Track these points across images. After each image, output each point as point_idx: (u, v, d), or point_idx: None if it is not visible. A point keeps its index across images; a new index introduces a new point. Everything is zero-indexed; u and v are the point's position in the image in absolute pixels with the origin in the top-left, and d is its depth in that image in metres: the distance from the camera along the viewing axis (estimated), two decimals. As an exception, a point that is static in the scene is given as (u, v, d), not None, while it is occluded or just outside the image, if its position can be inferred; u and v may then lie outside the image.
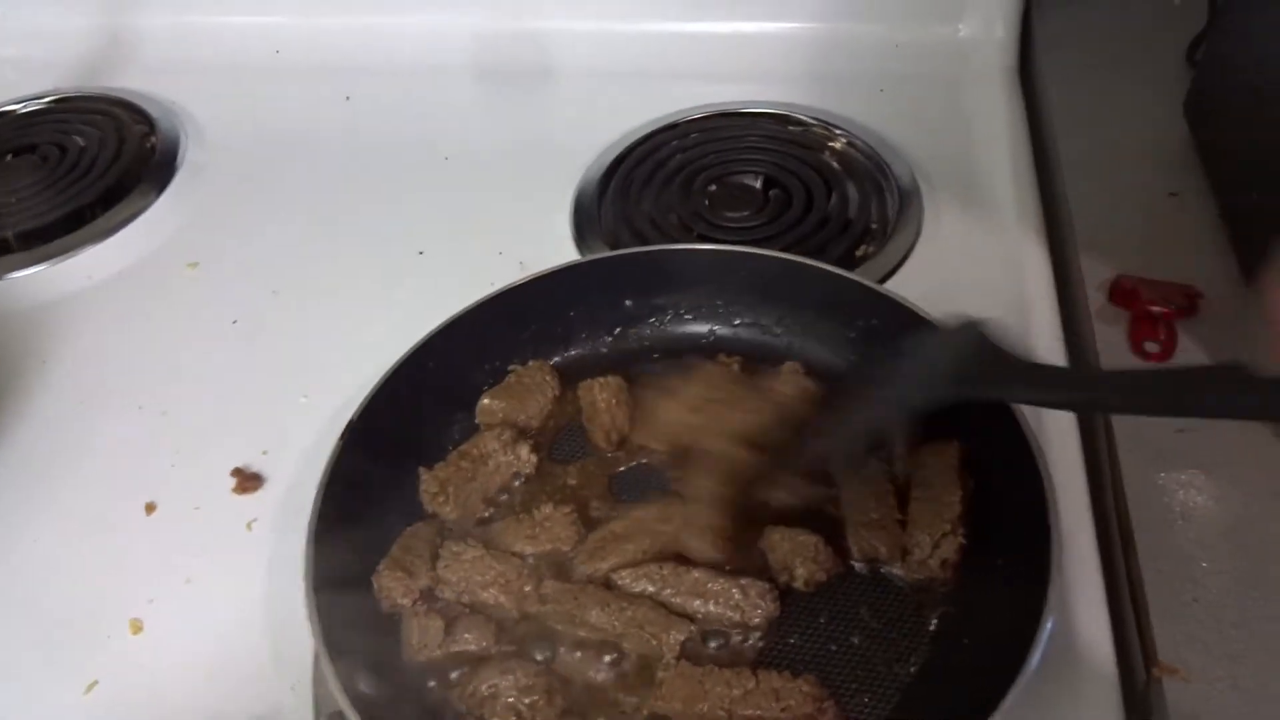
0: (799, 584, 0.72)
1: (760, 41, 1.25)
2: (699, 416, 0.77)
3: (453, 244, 1.05)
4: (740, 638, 0.70)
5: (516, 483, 0.80)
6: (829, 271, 0.84)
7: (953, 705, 0.61)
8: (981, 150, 1.09)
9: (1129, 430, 0.79)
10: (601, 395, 0.83)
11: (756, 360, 0.86)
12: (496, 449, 0.78)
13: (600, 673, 0.69)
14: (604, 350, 0.89)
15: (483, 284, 0.86)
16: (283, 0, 1.32)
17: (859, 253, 0.98)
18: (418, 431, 0.81)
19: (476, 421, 0.83)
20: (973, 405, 0.70)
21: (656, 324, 0.89)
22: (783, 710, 0.64)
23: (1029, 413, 0.72)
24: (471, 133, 1.20)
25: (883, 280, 0.95)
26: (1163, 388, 0.56)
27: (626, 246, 0.98)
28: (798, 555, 0.72)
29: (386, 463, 0.78)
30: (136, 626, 0.77)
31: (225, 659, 0.74)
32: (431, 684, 0.70)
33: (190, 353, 0.97)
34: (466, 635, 0.70)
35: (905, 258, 0.98)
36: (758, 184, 1.07)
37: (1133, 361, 0.84)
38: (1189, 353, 0.84)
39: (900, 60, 1.21)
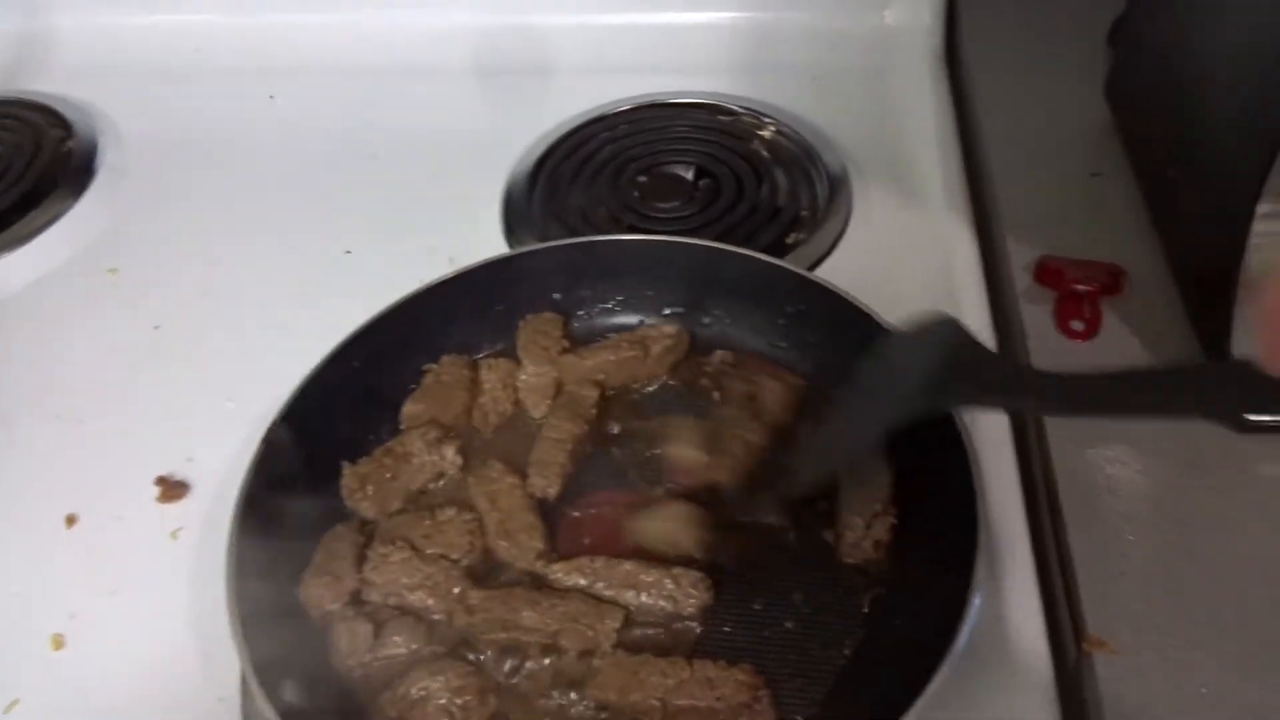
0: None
1: (688, 32, 1.24)
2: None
3: (381, 242, 1.03)
4: (676, 626, 0.70)
5: (440, 483, 0.79)
6: (757, 259, 0.84)
7: (886, 686, 0.61)
8: (909, 136, 1.10)
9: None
10: (489, 376, 0.83)
11: (688, 350, 0.86)
12: (420, 448, 0.77)
13: (536, 671, 0.68)
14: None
15: (412, 282, 0.85)
16: (203, -1, 1.30)
17: (789, 240, 0.98)
18: (344, 433, 0.80)
19: (402, 427, 0.82)
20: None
21: (585, 316, 0.89)
22: (717, 699, 0.64)
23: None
24: (398, 130, 1.18)
25: (813, 267, 0.95)
26: (1167, 388, 0.56)
27: (557, 239, 0.97)
28: None
29: (312, 465, 0.76)
30: (58, 642, 0.75)
31: (151, 672, 0.73)
32: (362, 689, 0.68)
33: (111, 360, 0.95)
34: (395, 638, 0.69)
35: (835, 244, 0.98)
36: (688, 174, 1.06)
37: (1058, 339, 0.85)
38: (1114, 330, 0.85)
39: (828, 48, 1.21)
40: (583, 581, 0.71)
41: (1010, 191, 0.98)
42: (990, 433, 0.79)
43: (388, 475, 0.77)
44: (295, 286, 1.00)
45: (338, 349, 0.80)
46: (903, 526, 0.72)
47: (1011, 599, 0.71)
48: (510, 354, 0.85)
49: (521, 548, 0.73)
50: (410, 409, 0.81)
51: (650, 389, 0.84)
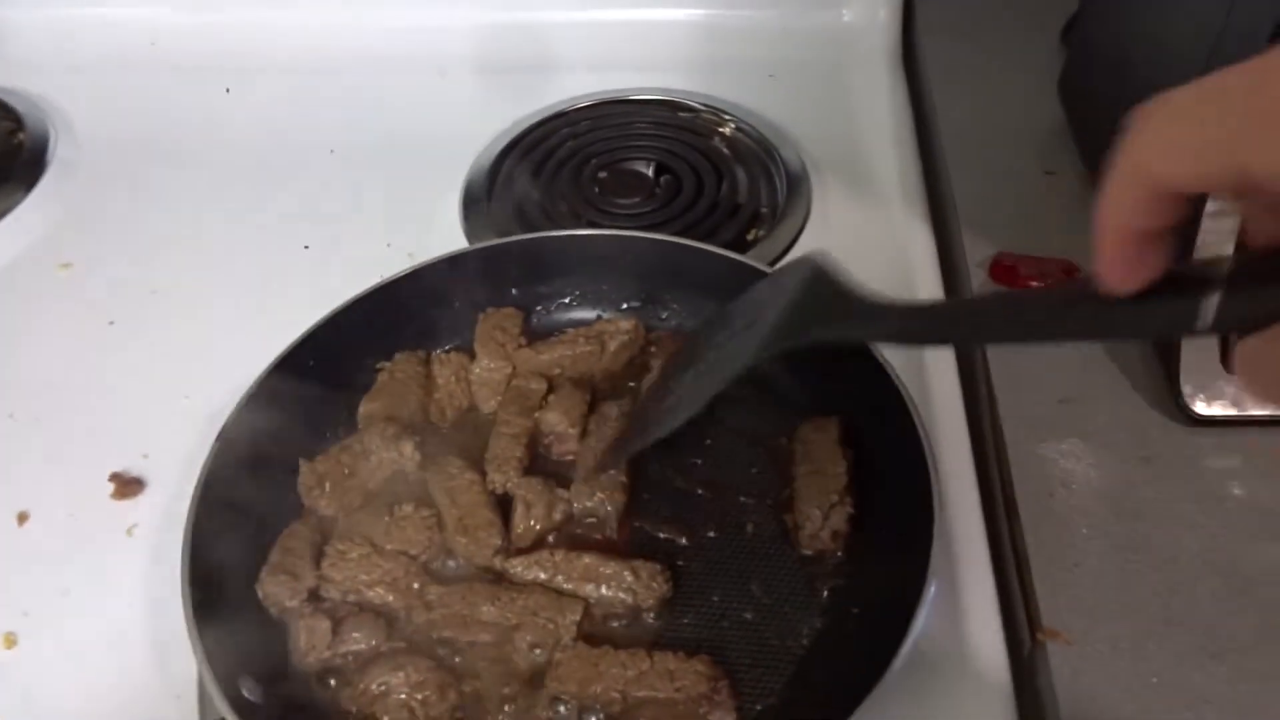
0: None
1: (648, 29, 1.24)
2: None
3: (339, 238, 1.03)
4: (635, 618, 0.70)
5: (399, 479, 0.78)
6: (716, 254, 0.84)
7: (844, 675, 0.62)
8: (867, 133, 1.11)
9: (1011, 400, 0.81)
10: (441, 371, 0.83)
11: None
12: (378, 445, 0.77)
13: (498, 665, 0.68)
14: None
15: (371, 278, 0.85)
16: (158, -9, 1.28)
17: (749, 236, 0.99)
18: (301, 429, 0.79)
19: (359, 426, 0.81)
20: (852, 377, 0.71)
21: (543, 311, 0.89)
22: (677, 690, 0.64)
23: (912, 385, 0.73)
24: (357, 125, 1.17)
25: (773, 263, 0.95)
26: (1009, 312, 0.52)
27: (515, 235, 0.97)
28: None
29: (269, 462, 0.76)
30: (10, 641, 0.74)
31: (106, 671, 0.72)
32: (322, 686, 0.68)
33: (64, 356, 0.94)
34: (355, 634, 0.68)
35: (795, 240, 0.98)
36: (648, 170, 1.07)
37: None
38: (1068, 325, 0.86)
39: (786, 46, 1.22)
40: (543, 575, 0.71)
41: (965, 188, 0.99)
42: (946, 425, 0.80)
43: (345, 472, 0.76)
44: (252, 282, 0.99)
45: (294, 345, 0.79)
46: (860, 517, 0.73)
47: (967, 590, 0.72)
48: (468, 349, 0.85)
49: (479, 544, 0.73)
50: (366, 408, 0.81)
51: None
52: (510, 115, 1.15)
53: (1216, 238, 0.74)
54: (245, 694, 0.63)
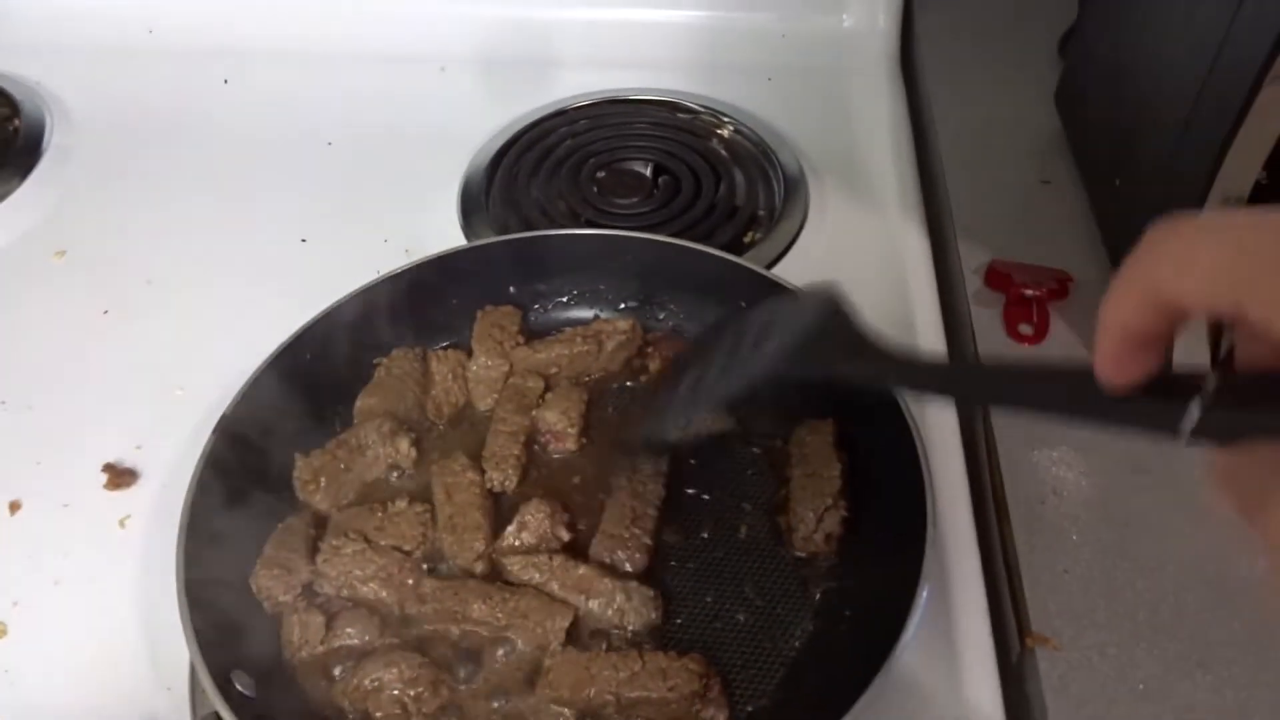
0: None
1: (649, 30, 1.25)
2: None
3: (337, 232, 1.03)
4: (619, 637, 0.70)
5: (394, 475, 0.79)
6: (714, 255, 0.85)
7: (835, 677, 0.62)
8: (864, 138, 1.11)
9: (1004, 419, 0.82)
10: (439, 368, 0.83)
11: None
12: (375, 440, 0.77)
13: (489, 665, 0.68)
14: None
15: (368, 272, 0.85)
16: (157, -21, 1.27)
17: (746, 239, 0.99)
18: (297, 424, 0.79)
19: (356, 421, 0.81)
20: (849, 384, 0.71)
21: (541, 310, 0.89)
22: (670, 689, 0.64)
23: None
24: (356, 118, 1.17)
25: (770, 266, 0.96)
26: (1017, 382, 0.55)
27: (514, 233, 0.97)
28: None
29: (264, 456, 0.76)
30: (1, 631, 0.74)
31: (97, 661, 0.72)
32: (314, 680, 0.68)
33: (58, 345, 0.93)
34: (349, 630, 0.69)
35: (791, 244, 0.99)
36: (646, 171, 1.07)
37: (1008, 343, 0.87)
38: (1061, 334, 0.87)
39: (786, 50, 1.22)
40: (537, 577, 0.71)
41: (962, 196, 1.00)
42: (939, 431, 0.81)
43: (341, 467, 0.76)
44: (249, 274, 0.99)
45: (291, 340, 0.79)
46: (853, 521, 0.73)
47: (957, 594, 0.72)
48: (465, 347, 0.85)
49: (463, 545, 0.73)
50: (363, 403, 0.81)
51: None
52: (510, 113, 1.15)
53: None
54: (238, 687, 0.63)
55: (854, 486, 0.74)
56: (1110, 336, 0.40)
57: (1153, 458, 0.78)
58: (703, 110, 1.14)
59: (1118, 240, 0.91)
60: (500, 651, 0.69)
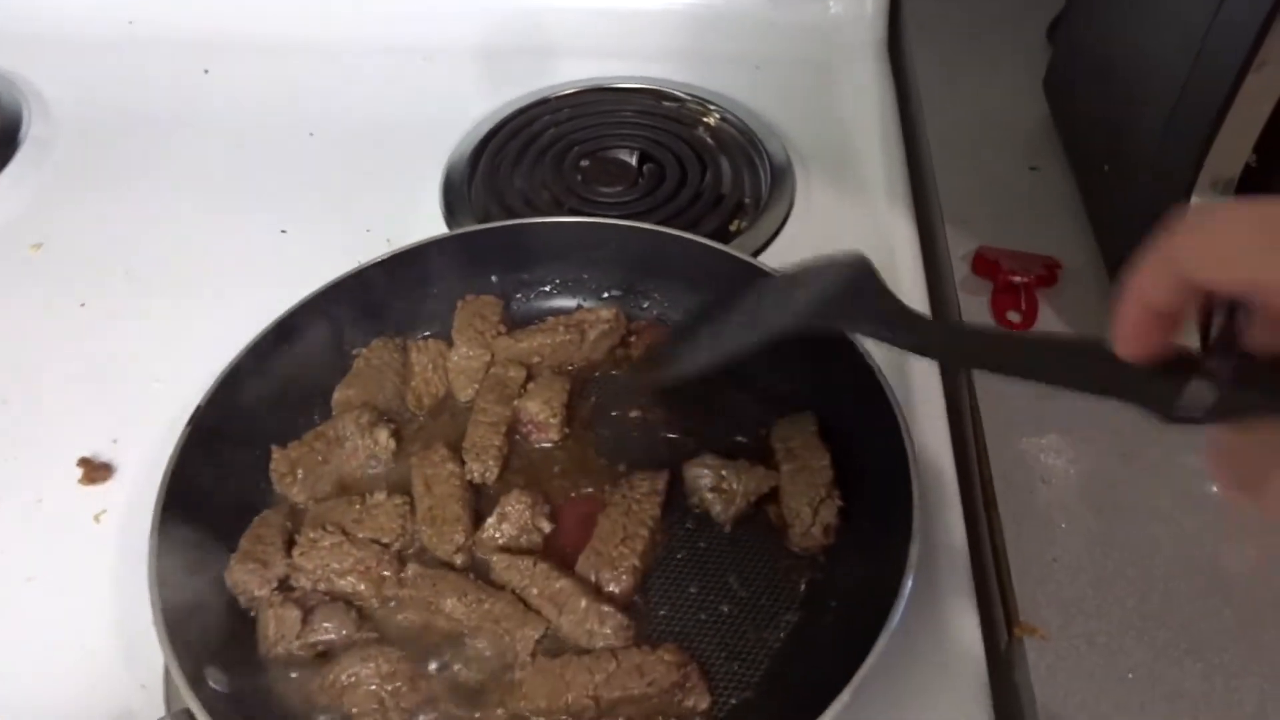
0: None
1: (635, 17, 1.23)
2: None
3: (317, 222, 1.01)
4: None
5: (373, 467, 0.77)
6: (699, 243, 0.84)
7: (821, 668, 0.61)
8: (852, 126, 1.10)
9: (992, 396, 0.81)
10: (418, 358, 0.82)
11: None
12: (353, 431, 0.76)
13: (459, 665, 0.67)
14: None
15: (349, 263, 0.84)
16: (136, -31, 1.26)
17: (733, 227, 0.98)
18: (274, 415, 0.78)
19: (334, 413, 0.80)
20: (833, 371, 0.71)
21: (523, 299, 0.88)
22: (649, 685, 0.63)
23: (894, 379, 0.72)
24: (338, 108, 1.16)
25: (756, 254, 0.95)
26: (1021, 350, 0.57)
27: (496, 222, 0.96)
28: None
29: (240, 448, 0.75)
30: (-26, 628, 0.73)
31: (71, 659, 0.71)
32: (291, 675, 0.67)
33: (34, 338, 0.92)
34: (325, 624, 0.67)
35: (778, 232, 0.98)
36: (632, 159, 1.06)
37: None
38: (1050, 321, 0.86)
39: (773, 37, 1.21)
40: (517, 580, 0.69)
41: (950, 183, 0.99)
42: (926, 420, 0.80)
43: (319, 459, 0.75)
44: (227, 266, 0.97)
45: (268, 330, 0.78)
46: (843, 512, 0.72)
47: (945, 584, 0.71)
48: (446, 337, 0.84)
49: (443, 538, 0.72)
50: (341, 394, 0.80)
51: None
52: (493, 101, 1.14)
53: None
54: (211, 684, 0.62)
55: (840, 477, 0.73)
56: (1133, 308, 0.42)
57: (1142, 446, 0.77)
58: (689, 98, 1.13)
59: (1107, 226, 0.90)
60: (467, 651, 0.68)
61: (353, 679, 0.64)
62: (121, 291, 0.96)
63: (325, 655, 0.67)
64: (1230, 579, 0.70)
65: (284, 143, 1.11)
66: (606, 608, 0.68)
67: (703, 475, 0.74)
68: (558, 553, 0.73)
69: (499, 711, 0.65)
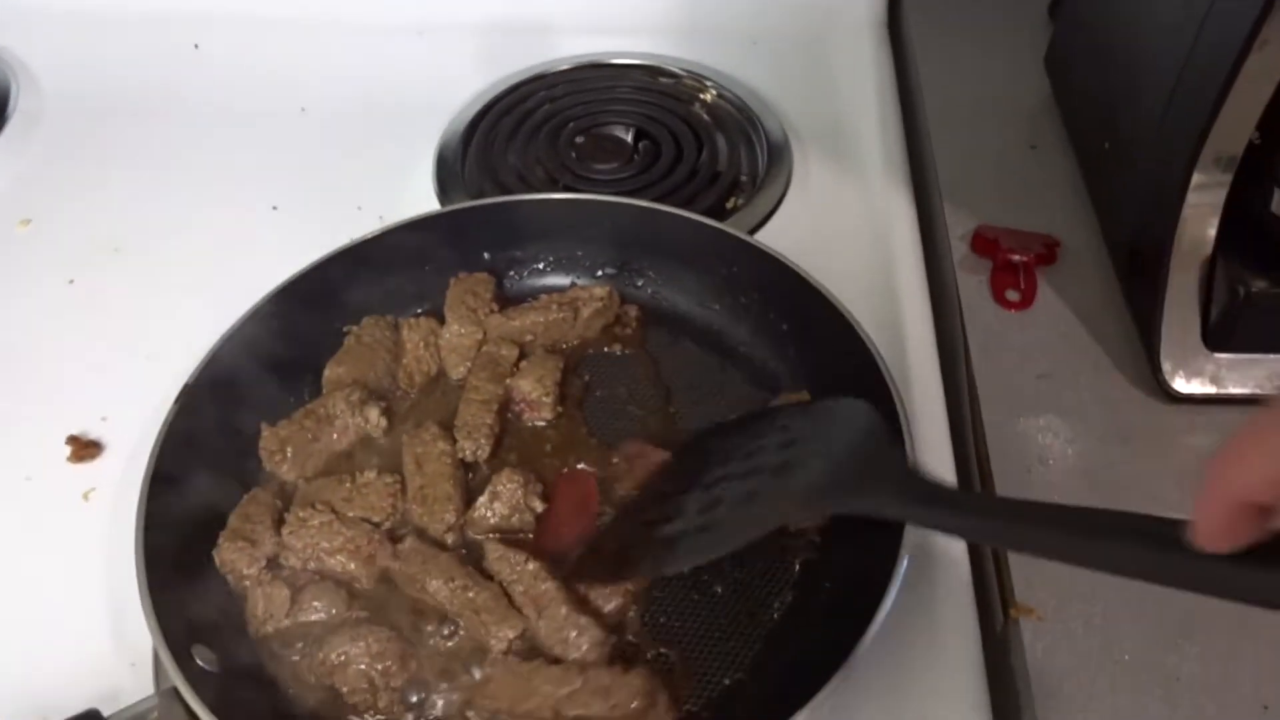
0: None
1: (630, -7, 1.22)
2: None
3: (309, 199, 1.00)
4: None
5: (364, 446, 0.77)
6: (692, 220, 0.83)
7: (814, 650, 0.61)
8: (850, 103, 1.09)
9: (990, 376, 0.80)
10: (410, 336, 0.81)
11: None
12: (344, 409, 0.75)
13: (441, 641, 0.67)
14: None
15: (340, 240, 0.83)
16: (125, -58, 1.24)
17: (729, 205, 0.97)
18: (264, 393, 0.77)
19: (324, 391, 0.79)
20: (829, 351, 0.70)
21: (516, 277, 0.87)
22: (612, 708, 0.61)
23: (891, 359, 0.72)
24: (330, 85, 1.14)
25: (753, 231, 0.94)
26: (1079, 531, 0.50)
27: (489, 198, 0.95)
28: None
29: (229, 426, 0.74)
30: (-38, 607, 0.72)
31: (60, 637, 0.70)
32: (281, 654, 0.66)
33: (22, 315, 0.91)
34: (315, 604, 0.67)
35: (774, 209, 0.97)
36: (627, 136, 1.05)
37: (994, 309, 0.85)
38: (1049, 300, 0.85)
39: (771, 13, 1.20)
40: (505, 573, 0.68)
41: (949, 161, 0.98)
42: (923, 400, 0.79)
43: (309, 437, 0.74)
44: (218, 242, 0.96)
45: (257, 306, 0.77)
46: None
47: (940, 566, 0.71)
48: (439, 314, 0.83)
49: (433, 517, 0.71)
50: (331, 372, 0.79)
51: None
52: (488, 77, 1.13)
53: (1201, 210, 0.73)
54: (199, 663, 0.61)
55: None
56: (1223, 503, 0.38)
57: (1140, 426, 0.77)
58: (685, 75, 1.12)
59: (1107, 204, 0.89)
60: (445, 629, 0.67)
61: (342, 658, 0.64)
62: (111, 268, 0.95)
63: (316, 635, 0.67)
64: (1228, 560, 0.69)
65: (275, 119, 1.10)
66: (585, 619, 0.66)
67: None
68: (551, 530, 0.72)
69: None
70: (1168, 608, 0.67)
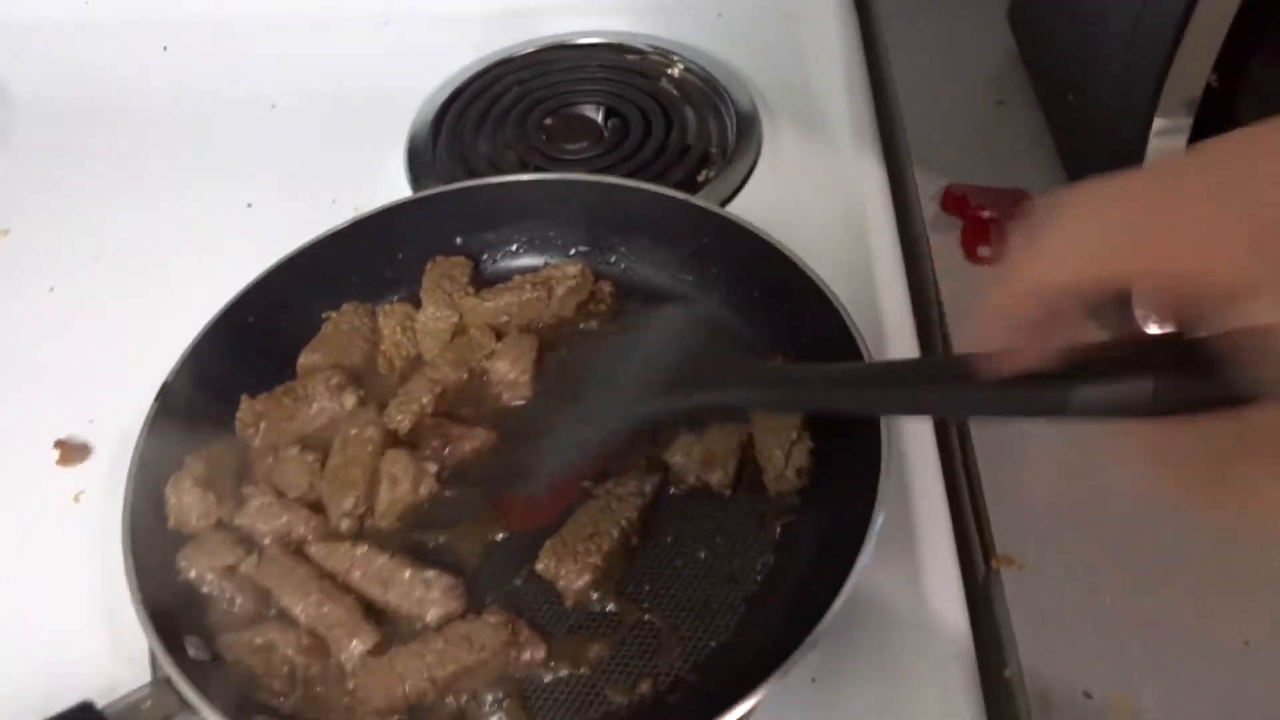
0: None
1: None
2: None
3: (283, 195, 1.01)
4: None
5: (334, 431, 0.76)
6: (660, 194, 0.83)
7: (796, 609, 0.62)
8: (818, 71, 1.09)
9: (965, 334, 0.80)
10: (386, 322, 0.82)
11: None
12: (322, 392, 0.75)
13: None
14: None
15: (315, 234, 0.83)
16: (90, -51, 1.24)
17: (700, 178, 0.98)
18: (244, 386, 0.77)
19: (299, 377, 0.80)
20: (800, 314, 0.70)
21: (490, 260, 0.88)
22: (480, 650, 0.62)
23: (863, 318, 0.72)
24: (298, 81, 1.14)
25: (724, 203, 0.94)
26: (871, 383, 0.56)
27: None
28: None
29: (210, 420, 0.75)
30: (-43, 610, 0.73)
31: (57, 637, 0.71)
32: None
33: (5, 324, 0.92)
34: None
35: (745, 180, 0.97)
36: (596, 115, 1.05)
37: (967, 266, 0.86)
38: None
39: (735, -17, 1.20)
40: (340, 566, 0.68)
41: (917, 122, 0.98)
42: (897, 354, 0.80)
43: (285, 415, 0.75)
44: (195, 243, 0.97)
45: (234, 300, 0.78)
46: (813, 454, 0.72)
47: (921, 520, 0.71)
48: (416, 300, 0.84)
49: (333, 501, 0.71)
50: (306, 358, 0.79)
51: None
52: (455, 64, 1.13)
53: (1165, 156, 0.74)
54: (192, 652, 0.62)
55: (811, 419, 0.73)
56: (998, 328, 0.40)
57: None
58: (651, 50, 1.12)
59: (1074, 156, 0.90)
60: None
61: (266, 642, 0.64)
62: (91, 274, 0.95)
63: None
64: (1206, 503, 0.70)
65: (246, 117, 1.10)
66: (430, 572, 0.67)
67: (686, 462, 0.72)
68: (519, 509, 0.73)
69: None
70: (1148, 551, 0.68)
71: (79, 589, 0.73)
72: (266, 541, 0.69)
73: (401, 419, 0.75)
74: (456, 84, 1.10)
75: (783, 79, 1.08)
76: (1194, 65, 0.71)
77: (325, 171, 1.02)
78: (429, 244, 0.85)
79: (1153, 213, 0.37)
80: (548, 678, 0.65)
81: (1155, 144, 0.74)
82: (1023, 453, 0.74)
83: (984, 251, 0.86)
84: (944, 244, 0.88)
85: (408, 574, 0.67)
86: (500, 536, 0.71)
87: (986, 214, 0.87)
